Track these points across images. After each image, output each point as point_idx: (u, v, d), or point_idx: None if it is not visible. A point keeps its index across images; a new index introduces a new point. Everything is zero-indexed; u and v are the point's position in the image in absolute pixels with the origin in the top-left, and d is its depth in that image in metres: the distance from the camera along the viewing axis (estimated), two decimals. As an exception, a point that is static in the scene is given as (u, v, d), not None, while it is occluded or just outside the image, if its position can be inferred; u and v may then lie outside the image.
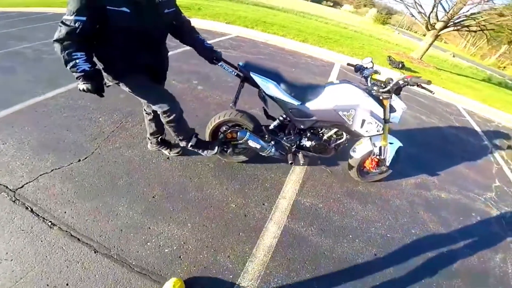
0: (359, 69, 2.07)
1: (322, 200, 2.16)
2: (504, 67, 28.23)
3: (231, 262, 1.58)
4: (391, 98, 1.83)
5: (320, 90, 1.87)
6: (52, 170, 1.96)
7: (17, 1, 14.14)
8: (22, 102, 2.69)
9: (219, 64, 1.86)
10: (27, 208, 1.68)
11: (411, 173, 2.71)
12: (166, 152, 2.24)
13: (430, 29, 8.80)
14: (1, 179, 1.85)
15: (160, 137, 2.17)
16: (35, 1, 12.44)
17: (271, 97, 1.84)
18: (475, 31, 8.86)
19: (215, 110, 2.89)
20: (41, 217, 1.64)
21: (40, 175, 1.92)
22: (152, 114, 1.99)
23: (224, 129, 2.09)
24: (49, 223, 1.61)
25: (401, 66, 6.90)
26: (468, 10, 8.32)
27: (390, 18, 42.21)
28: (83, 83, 1.42)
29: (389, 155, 2.13)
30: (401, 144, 2.19)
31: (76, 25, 1.26)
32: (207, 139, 2.13)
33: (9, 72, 3.32)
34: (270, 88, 1.78)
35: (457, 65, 13.93)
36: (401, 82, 1.75)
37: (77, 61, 1.35)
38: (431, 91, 1.92)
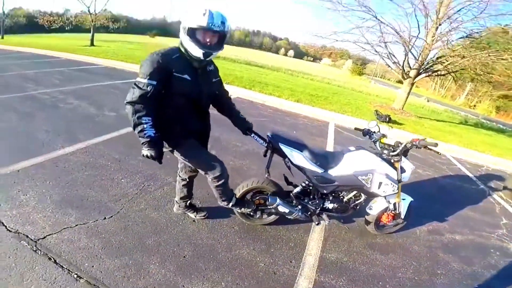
0: (367, 133, 2.27)
1: (346, 254, 2.21)
2: (474, 106, 31.04)
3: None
4: (401, 160, 2.06)
5: (340, 157, 2.06)
6: (76, 225, 1.96)
7: (29, 42, 15.07)
8: (43, 155, 2.76)
9: (251, 135, 2.01)
10: (49, 258, 1.65)
11: (422, 221, 2.84)
12: (192, 215, 2.27)
13: (405, 77, 9.65)
14: (22, 228, 1.85)
15: (189, 201, 2.24)
16: (49, 45, 13.32)
17: (297, 166, 1.99)
18: (444, 75, 9.82)
19: (231, 176, 2.93)
20: (65, 268, 1.60)
21: (64, 228, 1.91)
22: (187, 180, 2.09)
23: (251, 195, 2.18)
24: (75, 276, 1.57)
25: (388, 120, 7.43)
26: (434, 55, 9.36)
27: (365, 68, 46.86)
28: (147, 149, 1.50)
29: (403, 210, 2.30)
30: (412, 199, 2.37)
31: (148, 88, 1.42)
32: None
33: (28, 118, 3.44)
34: (297, 158, 1.94)
35: (434, 110, 15.33)
36: (409, 145, 2.01)
37: (145, 126, 1.46)
38: (438, 152, 2.16)
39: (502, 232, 2.91)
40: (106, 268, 1.67)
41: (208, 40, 1.51)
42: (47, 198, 2.18)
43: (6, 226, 1.84)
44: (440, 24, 8.51)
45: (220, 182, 1.81)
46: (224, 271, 1.83)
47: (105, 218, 2.09)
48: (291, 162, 1.97)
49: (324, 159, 2.03)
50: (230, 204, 2.02)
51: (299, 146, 1.97)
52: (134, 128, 1.48)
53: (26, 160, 2.61)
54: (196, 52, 1.49)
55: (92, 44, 15.77)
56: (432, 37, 8.60)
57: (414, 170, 4.23)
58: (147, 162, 2.94)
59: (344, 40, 9.75)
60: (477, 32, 8.33)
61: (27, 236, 1.78)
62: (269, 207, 2.08)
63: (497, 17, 7.94)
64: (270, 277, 1.85)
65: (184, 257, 1.88)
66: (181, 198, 2.20)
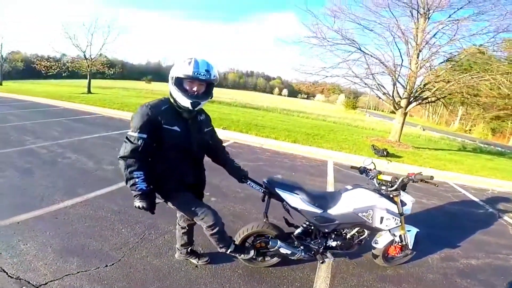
0: (363, 171, 2.34)
1: (357, 290, 2.12)
2: (470, 130, 31.46)
3: None
4: (400, 194, 2.13)
5: (338, 197, 2.13)
6: (78, 272, 1.95)
7: (27, 89, 15.60)
8: (42, 208, 2.79)
9: (247, 182, 2.05)
10: None
11: (433, 249, 2.79)
12: (194, 261, 2.24)
13: (397, 108, 9.80)
14: (23, 274, 1.86)
15: (190, 247, 2.24)
16: (47, 92, 13.82)
17: (295, 209, 2.05)
18: (434, 101, 9.96)
19: (232, 221, 2.96)
20: None
21: (66, 275, 1.91)
22: (187, 228, 2.12)
23: (252, 239, 2.20)
24: None
25: (386, 154, 7.42)
26: (421, 82, 9.51)
27: (357, 101, 48.55)
28: (139, 201, 1.56)
29: (410, 240, 2.30)
30: (417, 230, 2.37)
31: (139, 142, 1.47)
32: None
33: (27, 174, 3.53)
34: (294, 201, 1.99)
35: (430, 139, 15.56)
36: (405, 180, 2.09)
37: (137, 180, 1.50)
38: (435, 184, 2.24)
39: None
40: None
41: (195, 89, 1.55)
42: (48, 247, 2.19)
43: (7, 273, 1.86)
44: (420, 50, 8.90)
45: (214, 231, 1.81)
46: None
47: (106, 266, 2.06)
48: (289, 205, 2.02)
49: (322, 200, 2.09)
50: (229, 251, 2.01)
51: (295, 189, 2.02)
52: (126, 182, 1.53)
53: (26, 213, 2.63)
54: (184, 102, 1.53)
55: (89, 91, 16.09)
56: (416, 64, 8.90)
57: (418, 200, 4.34)
58: (146, 213, 2.96)
59: (333, 75, 9.89)
60: (455, 55, 8.68)
61: (29, 282, 1.79)
62: (270, 250, 2.08)
63: (470, 38, 8.36)
64: (281, 321, 1.76)
65: (188, 303, 1.82)
66: (182, 245, 2.19)
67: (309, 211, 2.00)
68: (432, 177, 1.99)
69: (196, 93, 1.56)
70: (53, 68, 17.78)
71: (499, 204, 4.48)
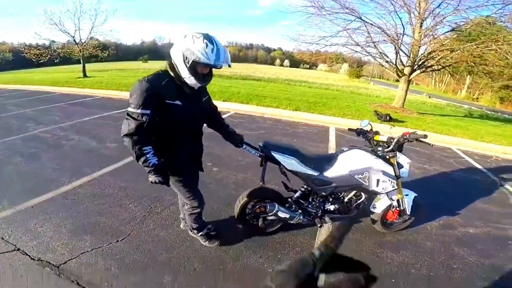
0: (360, 133, 2.32)
1: (356, 255, 2.17)
2: (477, 98, 30.73)
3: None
4: (396, 155, 2.12)
5: (334, 159, 2.14)
6: (92, 249, 2.09)
7: (21, 79, 15.51)
8: (52, 191, 2.90)
9: (243, 147, 2.06)
10: (72, 281, 1.79)
11: (432, 216, 2.85)
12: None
13: (401, 75, 9.67)
14: (44, 256, 2.01)
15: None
16: (42, 80, 13.77)
17: (292, 171, 2.05)
18: (438, 70, 9.77)
19: (234, 190, 3.11)
20: None
21: (81, 253, 2.05)
22: None
23: (252, 205, 2.26)
24: None
25: (389, 119, 7.44)
26: (425, 51, 9.24)
27: (362, 70, 47.05)
28: (154, 177, 1.56)
29: (407, 205, 2.32)
30: (415, 194, 2.39)
31: (144, 118, 1.43)
32: (236, 216, 2.29)
33: (34, 158, 3.62)
34: (291, 163, 2.00)
35: (436, 105, 15.27)
36: (401, 139, 2.07)
37: (148, 156, 1.51)
38: (430, 144, 2.22)
39: None
40: (123, 286, 1.79)
41: (206, 72, 1.57)
42: (62, 228, 2.32)
43: (29, 256, 2.00)
44: (423, 20, 8.58)
45: (195, 211, 2.00)
46: (233, 281, 1.90)
47: (117, 241, 2.20)
48: (286, 168, 2.03)
49: (318, 162, 2.10)
50: (199, 234, 2.16)
51: (291, 152, 2.03)
52: (137, 159, 1.52)
53: (38, 197, 2.76)
54: (192, 82, 1.53)
55: (85, 75, 15.80)
56: (419, 33, 8.66)
57: (420, 166, 4.36)
58: (151, 186, 3.03)
59: (333, 44, 9.70)
60: (461, 25, 8.34)
61: (50, 263, 1.93)
62: (269, 214, 2.14)
63: (476, 9, 7.97)
64: (280, 284, 1.89)
65: (195, 270, 1.97)
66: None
67: (306, 173, 2.03)
68: (426, 136, 1.98)
69: (208, 76, 1.59)
70: (43, 55, 16.95)
71: (501, 172, 4.46)
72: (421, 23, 8.66)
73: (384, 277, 2.01)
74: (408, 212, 2.34)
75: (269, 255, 2.17)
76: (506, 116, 15.25)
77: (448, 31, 8.85)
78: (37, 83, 12.56)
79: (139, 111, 1.43)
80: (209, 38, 1.44)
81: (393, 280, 1.98)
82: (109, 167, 3.55)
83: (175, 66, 1.52)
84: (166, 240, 2.26)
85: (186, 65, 1.46)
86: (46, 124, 5.30)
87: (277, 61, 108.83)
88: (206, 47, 1.41)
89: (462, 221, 2.83)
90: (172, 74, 1.55)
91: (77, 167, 3.48)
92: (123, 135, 1.48)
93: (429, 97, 20.42)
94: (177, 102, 1.54)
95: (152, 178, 1.58)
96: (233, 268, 2.02)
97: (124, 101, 8.32)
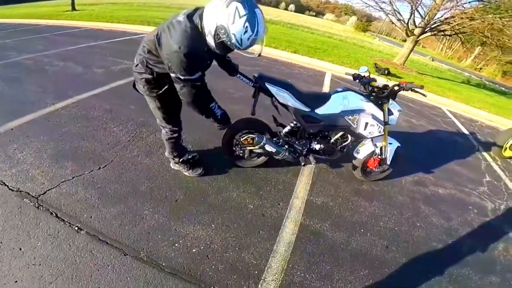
0: (357, 77, 2.24)
1: (332, 199, 2.27)
2: (480, 69, 29.76)
3: (255, 259, 1.65)
4: (388, 102, 2.05)
5: (327, 97, 2.05)
6: (73, 177, 1.99)
7: (4, 13, 13.85)
8: (33, 112, 2.69)
9: (237, 76, 1.96)
10: (51, 213, 1.69)
11: (408, 171, 2.87)
12: (187, 173, 2.23)
13: (409, 35, 9.11)
14: (23, 186, 1.87)
15: (183, 158, 2.21)
16: (27, 13, 12.32)
17: (284, 105, 1.96)
18: (450, 35, 9.23)
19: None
20: (67, 222, 1.65)
21: (62, 182, 1.94)
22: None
23: (240, 135, 2.18)
24: (76, 228, 1.62)
25: (387, 73, 7.21)
26: (442, 15, 8.67)
27: (370, 25, 43.62)
28: (222, 125, 1.78)
29: (389, 155, 2.30)
30: (399, 144, 2.35)
31: (199, 82, 1.46)
32: (222, 145, 2.23)
33: (14, 82, 3.30)
34: (283, 97, 1.90)
35: (437, 68, 14.60)
36: (396, 88, 1.98)
37: (215, 110, 1.65)
38: (424, 95, 2.13)
39: (483, 189, 2.92)
40: (103, 217, 1.72)
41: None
42: (43, 153, 2.19)
43: (8, 186, 1.86)
44: None
45: (173, 136, 1.92)
46: (214, 214, 1.91)
47: (99, 168, 2.11)
48: (278, 101, 1.94)
49: (311, 99, 2.01)
50: (181, 161, 2.08)
51: (285, 85, 1.93)
52: (207, 117, 1.66)
53: (18, 119, 2.55)
54: (216, 51, 1.39)
55: (73, 8, 14.03)
56: None
57: (407, 119, 4.29)
58: (138, 110, 2.96)
59: None
60: None
61: (29, 194, 1.81)
62: (256, 146, 2.09)
63: None
64: (259, 219, 1.93)
65: (176, 201, 1.95)
66: (174, 156, 2.19)
67: (297, 108, 1.95)
68: (422, 87, 1.88)
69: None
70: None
71: (482, 138, 4.46)
72: None
73: (355, 224, 2.07)
74: (388, 162, 2.33)
75: (251, 190, 2.17)
76: (503, 88, 14.83)
77: (474, 0, 8.07)
78: (21, 17, 11.02)
79: (195, 77, 1.42)
80: (252, 20, 1.23)
81: (361, 230, 2.04)
82: (95, 90, 3.31)
83: (202, 30, 1.32)
84: (150, 169, 2.20)
85: (215, 39, 1.30)
86: (29, 52, 4.76)
87: (282, 5, 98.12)
88: (244, 33, 1.24)
89: (434, 180, 2.87)
90: (200, 39, 1.36)
91: (61, 90, 3.21)
92: (190, 103, 1.53)
93: (432, 60, 19.37)
94: (209, 62, 1.53)
95: (219, 127, 1.78)
96: (215, 200, 2.02)
97: (114, 32, 7.49)
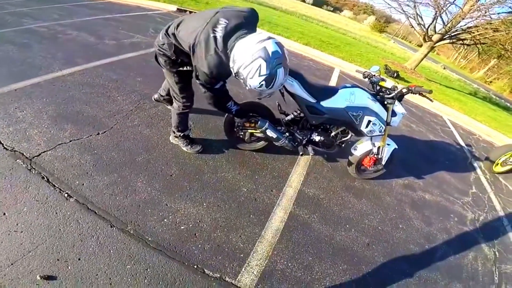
0: (367, 75, 2.17)
1: (323, 192, 2.22)
2: (491, 82, 28.85)
3: (242, 242, 1.62)
4: (394, 103, 1.97)
5: (334, 91, 1.97)
6: (70, 141, 1.91)
7: None
8: (39, 76, 2.57)
9: None
10: (43, 177, 1.59)
11: (400, 174, 2.81)
12: (185, 148, 2.18)
13: (427, 40, 8.69)
14: (18, 145, 1.76)
15: (184, 133, 2.17)
16: None
17: (291, 93, 1.88)
18: (468, 45, 8.85)
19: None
20: (57, 187, 1.57)
21: (58, 144, 1.85)
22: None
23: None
24: (66, 195, 1.54)
25: (396, 75, 6.98)
26: (466, 24, 8.23)
27: (387, 26, 42.11)
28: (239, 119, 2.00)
29: (385, 155, 2.24)
30: (396, 146, 2.29)
31: (224, 88, 1.59)
32: (224, 125, 2.18)
33: (25, 47, 3.16)
34: (292, 85, 1.83)
35: (447, 77, 14.10)
36: (404, 90, 1.92)
37: (231, 108, 1.76)
38: (431, 100, 2.07)
39: (467, 200, 2.88)
40: (95, 186, 1.65)
41: None
42: (43, 114, 2.09)
43: (3, 144, 1.75)
44: None
45: (185, 111, 1.91)
46: (207, 192, 1.86)
47: (98, 134, 2.04)
48: (285, 89, 1.86)
49: (319, 90, 1.93)
50: (181, 134, 2.04)
51: (295, 74, 1.84)
52: (224, 112, 1.87)
53: (23, 81, 2.43)
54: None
55: None
56: (471, 6, 7.36)
57: (407, 124, 4.18)
58: (144, 83, 2.87)
59: None
60: None
61: (23, 154, 1.71)
62: (258, 130, 2.02)
63: None
64: (251, 203, 1.89)
65: (171, 175, 1.89)
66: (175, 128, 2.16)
67: (303, 98, 1.88)
68: (431, 91, 1.82)
69: None
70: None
71: (477, 151, 4.36)
72: None
73: (341, 219, 2.03)
74: (383, 162, 2.27)
75: (247, 173, 2.12)
76: (508, 104, 14.36)
77: (504, 12, 7.71)
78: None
79: (218, 86, 1.52)
80: (270, 80, 1.31)
81: (347, 226, 2.00)
82: (104, 60, 3.17)
83: (229, 57, 1.36)
84: (148, 140, 2.13)
85: (234, 74, 1.39)
86: (44, 21, 4.51)
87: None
88: (259, 87, 1.34)
89: (423, 186, 2.82)
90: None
91: (70, 58, 3.07)
92: (211, 103, 1.66)
93: (444, 68, 18.71)
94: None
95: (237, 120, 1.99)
96: (209, 179, 1.96)
97: (130, 6, 7.14)
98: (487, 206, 2.89)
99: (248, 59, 1.26)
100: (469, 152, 4.18)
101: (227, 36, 1.33)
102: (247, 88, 1.39)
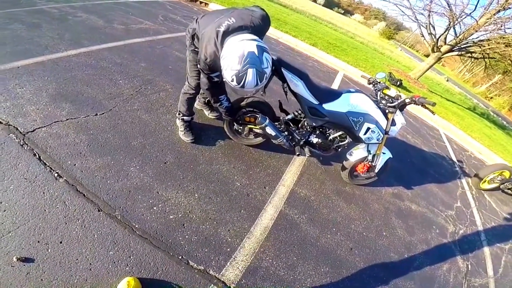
0: (372, 82, 2.13)
1: (315, 194, 2.20)
2: (491, 98, 28.70)
3: (230, 236, 1.60)
4: (395, 113, 1.92)
5: (337, 94, 1.92)
6: (67, 119, 1.85)
7: None
8: (44, 55, 2.47)
9: None
10: (35, 154, 1.53)
11: (390, 183, 2.80)
12: (206, 112, 2.45)
13: (435, 51, 8.48)
14: (13, 120, 1.68)
15: (208, 99, 2.30)
16: None
17: (294, 93, 1.83)
18: (477, 58, 8.65)
19: (230, 94, 2.81)
20: (48, 166, 1.51)
21: (55, 122, 1.79)
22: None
23: (243, 112, 2.06)
24: (56, 174, 1.48)
25: (399, 84, 6.88)
26: (478, 37, 8.01)
27: (397, 34, 41.61)
28: (227, 115, 1.94)
29: (379, 164, 2.21)
30: (391, 156, 2.26)
31: (217, 79, 1.61)
32: (224, 122, 2.15)
33: (33, 27, 3.03)
34: (296, 85, 1.78)
35: (448, 90, 13.98)
36: (408, 100, 1.87)
37: (222, 101, 1.78)
38: (433, 112, 2.01)
39: (451, 213, 2.88)
40: (87, 167, 1.60)
41: None
42: (43, 92, 2.02)
43: None
44: (505, 8, 6.89)
45: (190, 92, 1.91)
46: (200, 183, 1.82)
47: (96, 115, 1.98)
48: (289, 88, 1.82)
49: (322, 93, 1.89)
50: (181, 117, 2.04)
51: (301, 74, 1.80)
52: (215, 103, 1.83)
53: (27, 59, 2.33)
54: None
55: None
56: (488, 19, 7.12)
57: (404, 135, 4.15)
58: (148, 69, 2.81)
59: None
60: None
61: (17, 129, 1.64)
62: (258, 126, 1.98)
63: None
64: (243, 198, 1.86)
65: (165, 163, 1.85)
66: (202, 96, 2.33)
67: (306, 99, 1.84)
68: (434, 104, 1.78)
69: None
70: None
71: (467, 168, 4.36)
72: (499, 11, 6.98)
73: (329, 222, 2.02)
74: (376, 171, 2.25)
75: (242, 168, 2.09)
76: (504, 122, 14.34)
77: None
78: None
79: (214, 74, 1.57)
80: (240, 76, 1.32)
81: (333, 229, 1.99)
82: (110, 43, 3.08)
83: (217, 53, 1.43)
84: (146, 125, 2.08)
85: (219, 64, 1.41)
86: (56, 2, 4.36)
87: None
88: (231, 81, 1.36)
89: (410, 196, 2.81)
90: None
91: (77, 39, 2.97)
92: (205, 89, 1.69)
93: (447, 80, 18.59)
94: None
95: (224, 116, 1.96)
96: (204, 170, 1.92)
97: None
98: (468, 221, 2.90)
99: (226, 52, 1.32)
100: (459, 168, 4.18)
101: (227, 32, 1.39)
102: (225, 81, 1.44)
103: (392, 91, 2.00)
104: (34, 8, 3.76)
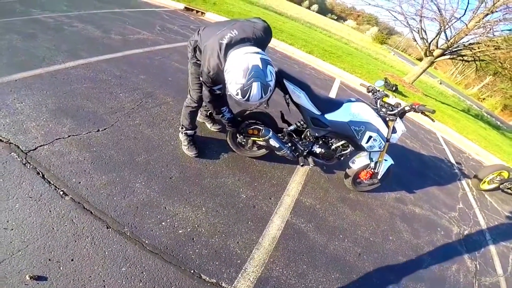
0: (371, 90, 2.20)
1: (320, 202, 2.26)
2: (484, 99, 29.64)
3: (240, 248, 1.63)
4: (395, 120, 1.99)
5: (339, 104, 1.99)
6: (69, 136, 1.86)
7: None
8: (42, 68, 2.51)
9: None
10: (38, 173, 1.54)
11: (393, 188, 2.88)
12: (209, 125, 2.50)
13: (428, 55, 8.83)
14: (14, 138, 1.69)
15: (210, 112, 2.36)
16: None
17: (296, 104, 1.90)
18: (468, 61, 9.05)
19: (232, 106, 2.86)
20: (53, 184, 1.51)
21: (56, 139, 1.80)
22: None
23: (246, 124, 2.11)
24: (61, 192, 1.49)
25: (395, 89, 7.09)
26: (468, 41, 8.39)
27: (389, 38, 42.89)
28: (230, 126, 1.97)
29: (382, 170, 2.28)
30: (393, 162, 2.34)
31: (219, 92, 1.64)
32: (227, 134, 2.18)
33: (29, 37, 3.08)
34: (299, 96, 1.85)
35: (442, 92, 14.45)
36: (407, 108, 1.94)
37: (224, 113, 1.82)
38: (432, 120, 2.09)
39: (454, 215, 2.97)
40: (92, 185, 1.61)
41: None
42: (43, 107, 2.03)
43: None
44: (493, 12, 7.28)
45: (192, 105, 1.94)
46: (206, 197, 1.86)
47: (98, 131, 2.01)
48: (291, 99, 1.88)
49: (323, 103, 1.96)
50: (184, 131, 2.07)
51: (302, 85, 1.87)
52: (218, 115, 1.86)
53: (25, 72, 2.35)
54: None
55: None
56: (476, 22, 7.52)
57: (403, 140, 4.26)
58: (148, 81, 2.87)
59: (377, 5, 8.62)
60: None
61: (18, 147, 1.64)
62: (261, 138, 2.03)
63: None
64: (249, 210, 1.90)
65: (171, 178, 1.89)
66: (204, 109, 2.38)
67: (309, 110, 1.90)
68: (434, 111, 1.86)
69: None
70: None
71: (466, 169, 4.50)
72: (487, 14, 7.41)
73: (335, 229, 2.06)
74: (379, 177, 2.32)
75: (246, 180, 2.13)
76: (498, 123, 14.82)
77: (509, 30, 7.87)
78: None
79: (216, 87, 1.60)
80: (245, 90, 1.35)
81: (340, 236, 2.03)
82: (108, 55, 3.14)
83: (220, 66, 1.47)
84: (149, 140, 2.11)
85: (222, 77, 1.47)
86: (52, 11, 4.45)
87: (306, 3, 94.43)
88: (236, 95, 1.39)
89: (413, 200, 2.89)
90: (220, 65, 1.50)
91: (74, 50, 3.02)
92: (207, 102, 1.73)
93: (440, 83, 19.20)
94: None
95: (228, 127, 1.99)
96: (209, 184, 1.96)
97: (138, 2, 7.09)
98: (472, 221, 2.99)
99: (231, 66, 1.35)
100: (458, 170, 4.31)
101: (229, 45, 1.42)
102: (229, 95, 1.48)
103: (392, 99, 2.08)
104: (30, 18, 3.81)
